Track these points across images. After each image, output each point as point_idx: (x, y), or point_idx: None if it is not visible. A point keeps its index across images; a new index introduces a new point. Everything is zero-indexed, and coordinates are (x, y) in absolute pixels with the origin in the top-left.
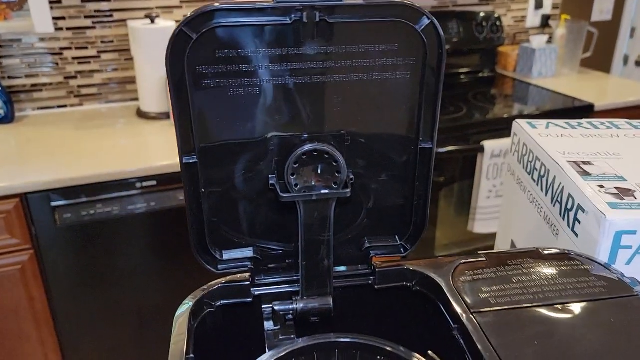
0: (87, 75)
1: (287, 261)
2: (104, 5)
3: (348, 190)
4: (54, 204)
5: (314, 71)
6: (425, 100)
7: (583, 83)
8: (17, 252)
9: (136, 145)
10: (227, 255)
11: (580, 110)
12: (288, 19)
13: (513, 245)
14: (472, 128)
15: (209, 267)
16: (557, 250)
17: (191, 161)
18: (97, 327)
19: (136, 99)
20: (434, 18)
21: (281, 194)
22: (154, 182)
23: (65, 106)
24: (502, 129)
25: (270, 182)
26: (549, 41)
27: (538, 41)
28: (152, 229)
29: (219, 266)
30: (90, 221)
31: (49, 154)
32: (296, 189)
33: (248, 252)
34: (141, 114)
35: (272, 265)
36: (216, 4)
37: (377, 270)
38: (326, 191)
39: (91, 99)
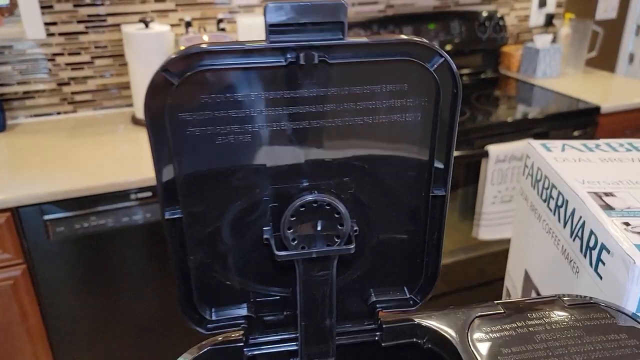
0: (80, 81)
1: (284, 313)
2: (97, 10)
3: (352, 246)
4: (46, 217)
5: (313, 115)
6: (438, 144)
7: (588, 83)
8: (9, 267)
9: (131, 154)
10: (217, 315)
11: (586, 114)
12: (283, 60)
13: (527, 275)
14: (475, 132)
15: (197, 327)
16: (581, 300)
17: (175, 216)
18: (92, 342)
19: (131, 105)
20: (447, 56)
21: (277, 253)
22: (149, 194)
23: (59, 113)
24: (506, 132)
25: (265, 235)
26: (553, 40)
27: (542, 41)
28: (149, 241)
29: (209, 325)
30: (84, 234)
31: (42, 164)
32: (294, 243)
33: (241, 310)
34: (136, 121)
35: (268, 318)
36: (203, 45)
37: (384, 325)
38: (327, 248)
39: (85, 105)
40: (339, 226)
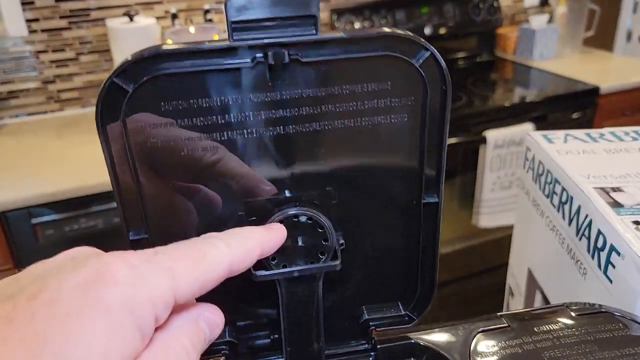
0: (66, 78)
1: (272, 337)
2: (80, 4)
3: (338, 262)
4: (34, 220)
5: (288, 120)
6: (428, 146)
7: (586, 64)
8: None
9: None
10: None
11: (585, 95)
12: (249, 61)
13: (530, 274)
14: (472, 118)
15: None
16: (591, 308)
17: (140, 237)
18: None
19: None
20: (434, 49)
21: (255, 273)
22: None
23: (45, 112)
24: (504, 117)
25: None
26: (550, 21)
27: (538, 21)
28: None
29: None
30: (75, 236)
31: (29, 165)
32: (274, 262)
33: (221, 335)
34: None
35: (253, 342)
36: (158, 47)
37: (378, 345)
38: (310, 265)
39: (72, 103)
40: (323, 241)
